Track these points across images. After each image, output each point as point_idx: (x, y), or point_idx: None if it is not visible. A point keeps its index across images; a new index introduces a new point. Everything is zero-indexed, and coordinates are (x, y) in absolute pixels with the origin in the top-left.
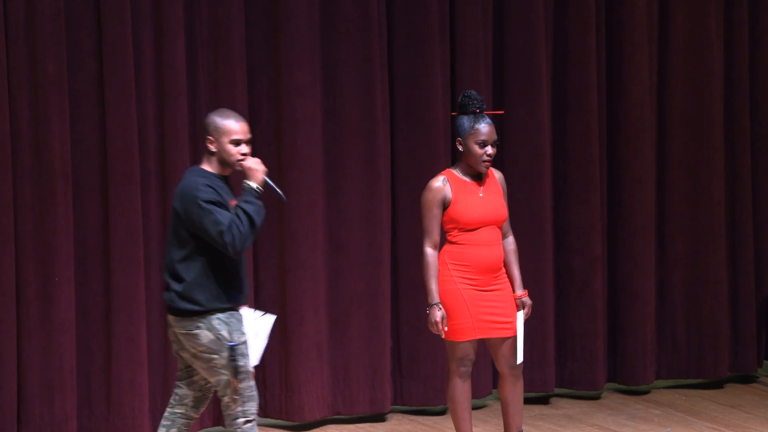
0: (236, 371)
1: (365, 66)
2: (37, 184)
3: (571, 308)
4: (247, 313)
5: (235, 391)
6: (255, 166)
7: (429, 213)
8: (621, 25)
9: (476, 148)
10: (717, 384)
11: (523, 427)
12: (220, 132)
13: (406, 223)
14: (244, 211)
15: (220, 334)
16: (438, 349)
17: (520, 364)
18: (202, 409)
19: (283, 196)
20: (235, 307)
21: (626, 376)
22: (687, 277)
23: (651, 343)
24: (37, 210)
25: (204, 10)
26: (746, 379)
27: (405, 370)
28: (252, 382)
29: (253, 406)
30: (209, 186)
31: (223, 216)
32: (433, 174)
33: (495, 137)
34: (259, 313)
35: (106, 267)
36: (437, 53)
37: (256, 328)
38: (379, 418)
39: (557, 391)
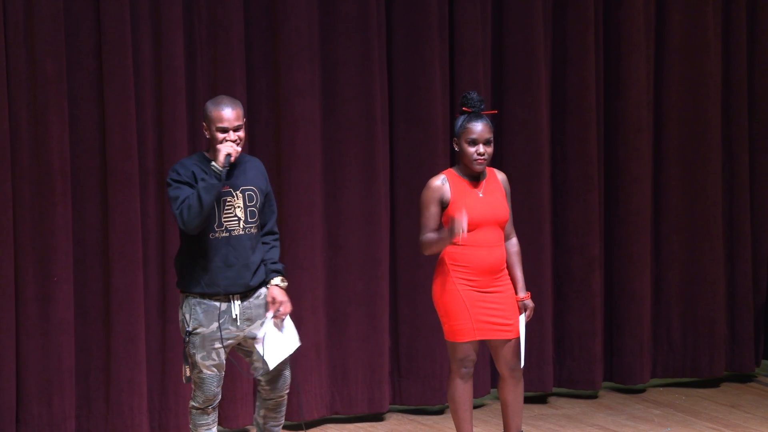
0: (186, 357)
1: (364, 66)
2: (36, 184)
3: (570, 308)
4: (287, 323)
5: (184, 377)
6: (221, 146)
7: (426, 211)
8: (619, 25)
9: (467, 147)
10: (713, 383)
11: (523, 428)
12: (209, 119)
13: (405, 223)
14: (196, 189)
15: (184, 317)
16: (437, 348)
17: (521, 366)
18: (282, 386)
19: (222, 177)
20: (208, 295)
21: (622, 375)
22: (683, 276)
23: (647, 342)
24: (36, 209)
25: (203, 10)
26: (744, 378)
27: (403, 370)
28: (204, 374)
29: (200, 396)
30: (184, 165)
31: (181, 192)
32: (432, 174)
33: (487, 136)
34: (292, 329)
35: (105, 267)
36: (436, 53)
37: (289, 338)
38: (378, 417)
39: (555, 390)
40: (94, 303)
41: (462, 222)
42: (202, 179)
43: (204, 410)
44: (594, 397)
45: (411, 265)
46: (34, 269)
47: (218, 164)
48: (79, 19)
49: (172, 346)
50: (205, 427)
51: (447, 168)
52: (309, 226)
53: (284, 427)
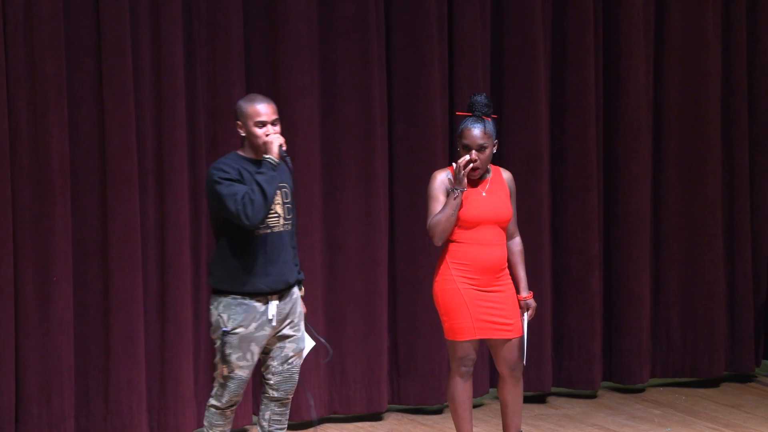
0: (223, 357)
1: (363, 66)
2: (35, 184)
3: (569, 307)
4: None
5: (221, 376)
6: (271, 138)
7: (435, 199)
8: (618, 25)
9: (461, 151)
10: (713, 383)
11: (523, 427)
12: (245, 116)
13: (403, 223)
14: (256, 182)
15: (221, 316)
16: (435, 348)
17: (521, 366)
18: (291, 388)
19: (290, 164)
20: (249, 294)
21: (622, 375)
22: (682, 276)
23: (646, 342)
24: (35, 210)
25: (202, 10)
26: (744, 378)
27: (402, 370)
28: (236, 376)
29: (224, 396)
30: (227, 164)
31: (236, 188)
32: (431, 173)
33: (480, 142)
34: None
35: (105, 267)
36: (435, 53)
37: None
38: (376, 417)
39: (554, 390)
40: (94, 303)
41: (461, 162)
42: (259, 173)
43: (223, 412)
44: (593, 396)
45: (410, 265)
46: (33, 269)
47: (273, 156)
48: (78, 20)
49: (171, 346)
50: (220, 429)
51: (447, 167)
52: (308, 225)
53: (289, 428)
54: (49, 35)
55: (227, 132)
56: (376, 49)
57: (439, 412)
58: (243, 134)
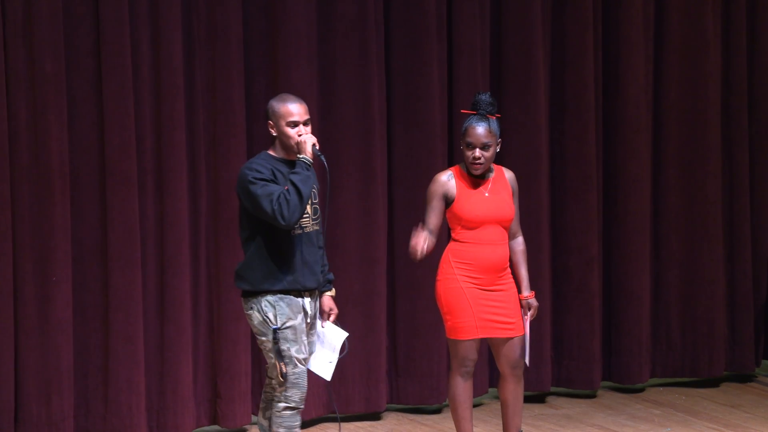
0: (280, 355)
1: (362, 65)
2: (34, 184)
3: (568, 307)
4: (329, 326)
5: (281, 375)
6: (304, 138)
7: (429, 204)
8: (618, 25)
9: (465, 150)
10: (713, 383)
11: (523, 427)
12: (277, 116)
13: (402, 222)
14: (292, 182)
15: (267, 317)
16: (434, 348)
17: (522, 365)
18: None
19: (326, 162)
20: (287, 290)
21: (621, 375)
22: (682, 276)
23: (646, 342)
24: (34, 209)
25: (201, 9)
26: (744, 378)
27: (401, 369)
28: (299, 369)
29: (296, 394)
30: (260, 164)
31: (272, 188)
32: (430, 173)
33: (484, 141)
34: (337, 328)
35: (104, 266)
36: (434, 52)
37: (333, 342)
38: (375, 416)
39: (553, 390)
40: (93, 303)
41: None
42: (294, 173)
43: (298, 410)
44: (593, 396)
45: (408, 265)
46: (32, 269)
47: (307, 156)
48: (78, 19)
49: (171, 346)
50: (297, 428)
51: (446, 167)
52: None
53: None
54: (48, 35)
55: (226, 132)
56: (375, 48)
57: (438, 411)
58: (274, 134)
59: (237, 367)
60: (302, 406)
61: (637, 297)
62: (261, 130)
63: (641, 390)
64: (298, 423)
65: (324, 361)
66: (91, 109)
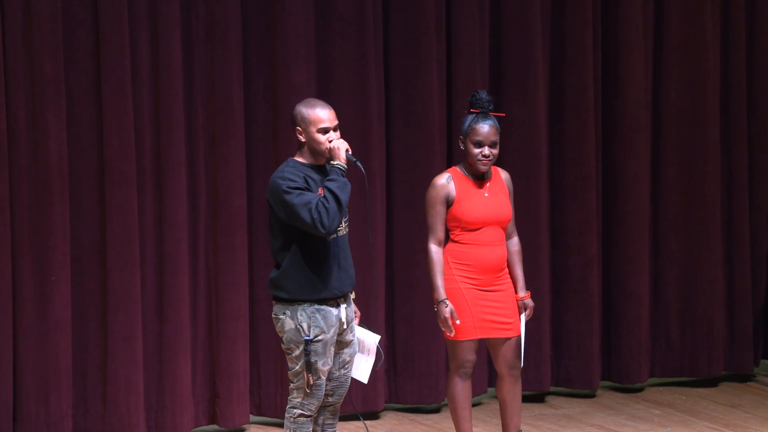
0: (309, 366)
1: (361, 65)
2: (33, 183)
3: (567, 307)
4: (360, 330)
5: (307, 386)
6: (336, 144)
7: (432, 210)
8: (617, 25)
9: (472, 148)
10: (712, 383)
11: (523, 427)
12: (306, 122)
13: (401, 222)
14: (329, 189)
15: (300, 326)
16: (433, 347)
17: (519, 365)
18: (344, 391)
19: (362, 168)
20: (324, 300)
21: (620, 375)
22: (681, 276)
23: (645, 342)
24: (33, 209)
25: (200, 9)
26: (743, 378)
27: (399, 369)
28: (321, 381)
29: (313, 403)
30: (292, 173)
31: (308, 197)
32: (429, 173)
33: (493, 138)
34: (369, 332)
35: (103, 266)
36: (433, 52)
37: (367, 344)
38: (373, 416)
39: (552, 389)
40: (92, 302)
41: (453, 325)
42: (330, 180)
43: (312, 418)
44: (592, 396)
45: (407, 264)
46: (31, 268)
47: (341, 161)
48: (77, 19)
49: (169, 346)
50: None
51: (445, 167)
52: None
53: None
54: (47, 35)
55: (225, 131)
56: (373, 48)
57: (437, 411)
58: (303, 140)
59: (236, 367)
60: (315, 414)
61: (637, 297)
62: (258, 129)
63: (641, 390)
64: (309, 430)
65: (359, 364)
66: (90, 108)
